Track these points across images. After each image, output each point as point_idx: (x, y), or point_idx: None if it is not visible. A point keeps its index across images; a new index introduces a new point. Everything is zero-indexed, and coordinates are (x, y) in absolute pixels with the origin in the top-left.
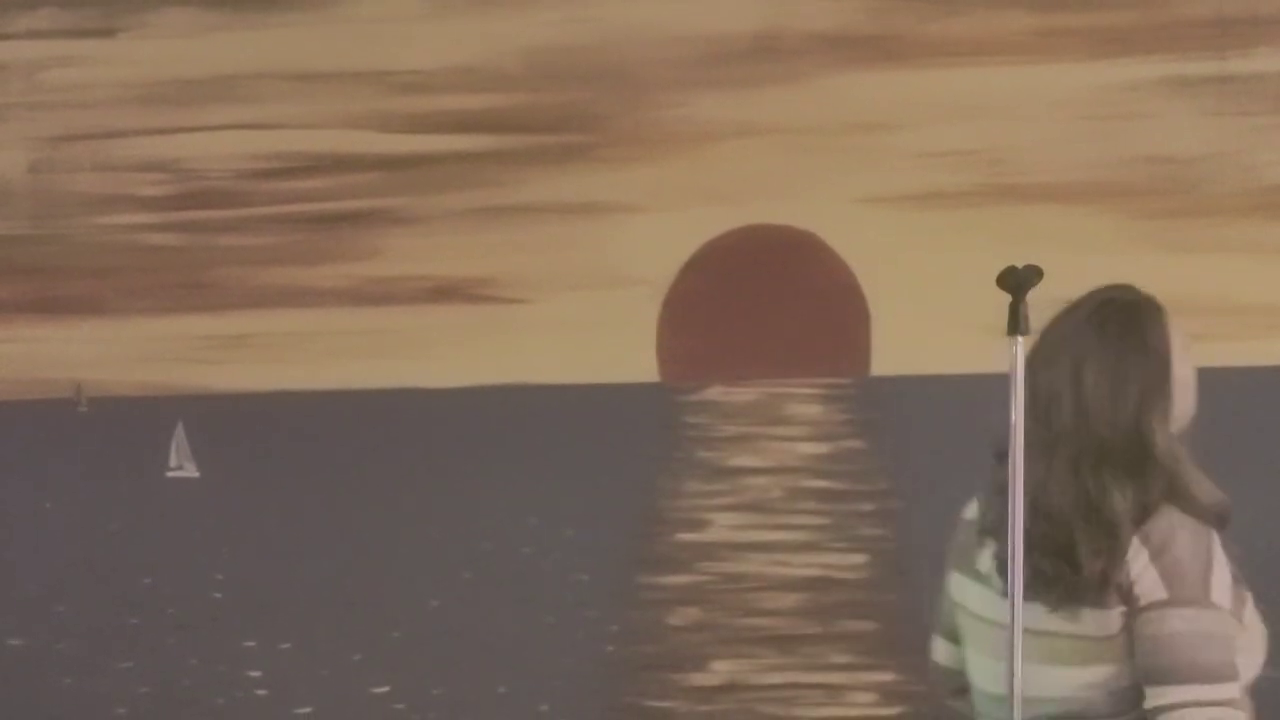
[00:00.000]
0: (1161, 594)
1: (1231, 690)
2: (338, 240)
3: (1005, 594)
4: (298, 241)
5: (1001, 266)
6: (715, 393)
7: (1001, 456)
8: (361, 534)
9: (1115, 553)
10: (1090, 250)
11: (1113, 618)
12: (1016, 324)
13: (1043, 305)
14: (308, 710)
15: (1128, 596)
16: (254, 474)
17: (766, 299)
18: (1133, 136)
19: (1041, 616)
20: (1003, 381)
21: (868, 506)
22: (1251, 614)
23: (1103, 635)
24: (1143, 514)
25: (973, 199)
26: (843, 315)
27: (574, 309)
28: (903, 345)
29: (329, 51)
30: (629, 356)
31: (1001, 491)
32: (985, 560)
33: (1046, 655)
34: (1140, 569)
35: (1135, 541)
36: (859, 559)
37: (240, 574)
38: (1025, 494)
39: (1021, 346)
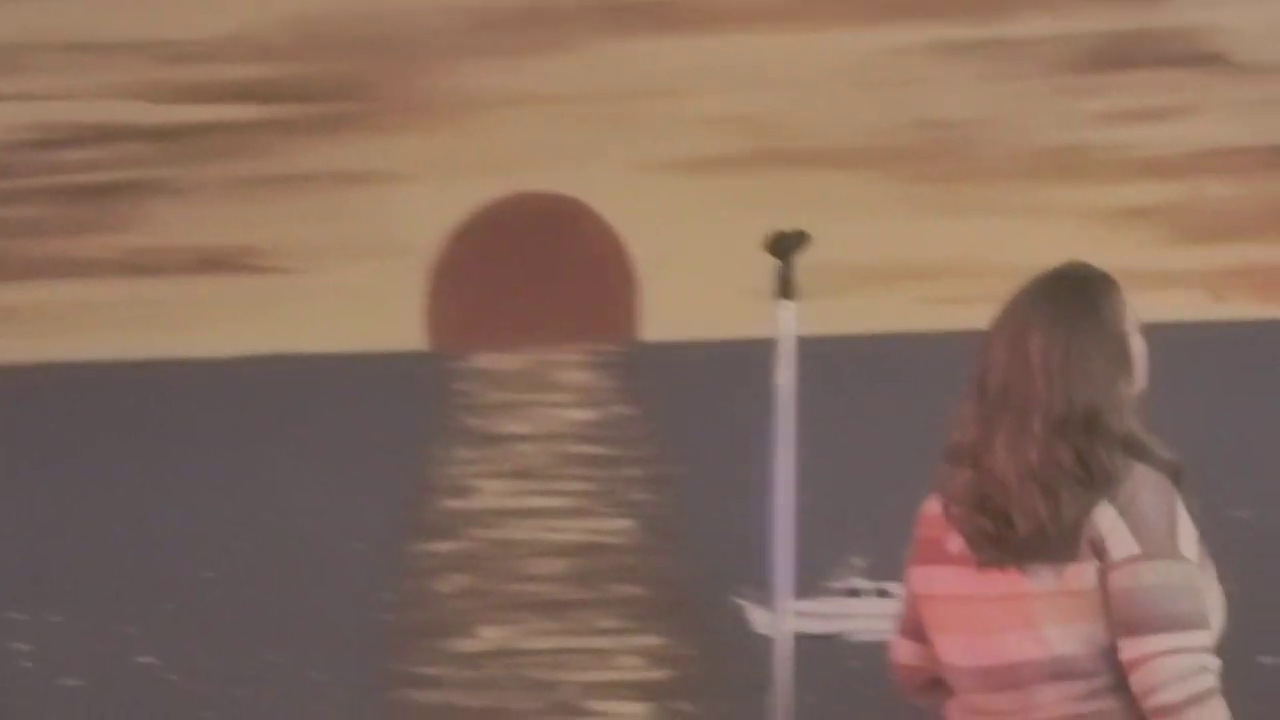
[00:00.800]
0: (1134, 549)
1: (1206, 638)
2: (105, 211)
3: (986, 563)
4: (65, 213)
5: (769, 231)
6: (484, 360)
7: (951, 458)
8: (133, 506)
9: (1057, 514)
10: (860, 214)
11: (1089, 571)
12: (784, 288)
13: (810, 268)
14: (75, 683)
15: (1100, 552)
16: (21, 446)
17: (535, 267)
18: (902, 101)
19: (1020, 580)
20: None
21: (636, 472)
22: (1214, 579)
23: (1083, 589)
24: (1101, 479)
25: (742, 165)
26: (611, 282)
27: (343, 278)
28: (672, 311)
29: (97, 22)
30: (398, 325)
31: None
32: (955, 540)
33: (1029, 617)
34: (1110, 525)
35: (1103, 500)
36: (627, 524)
37: (7, 547)
38: (970, 459)
39: (790, 310)
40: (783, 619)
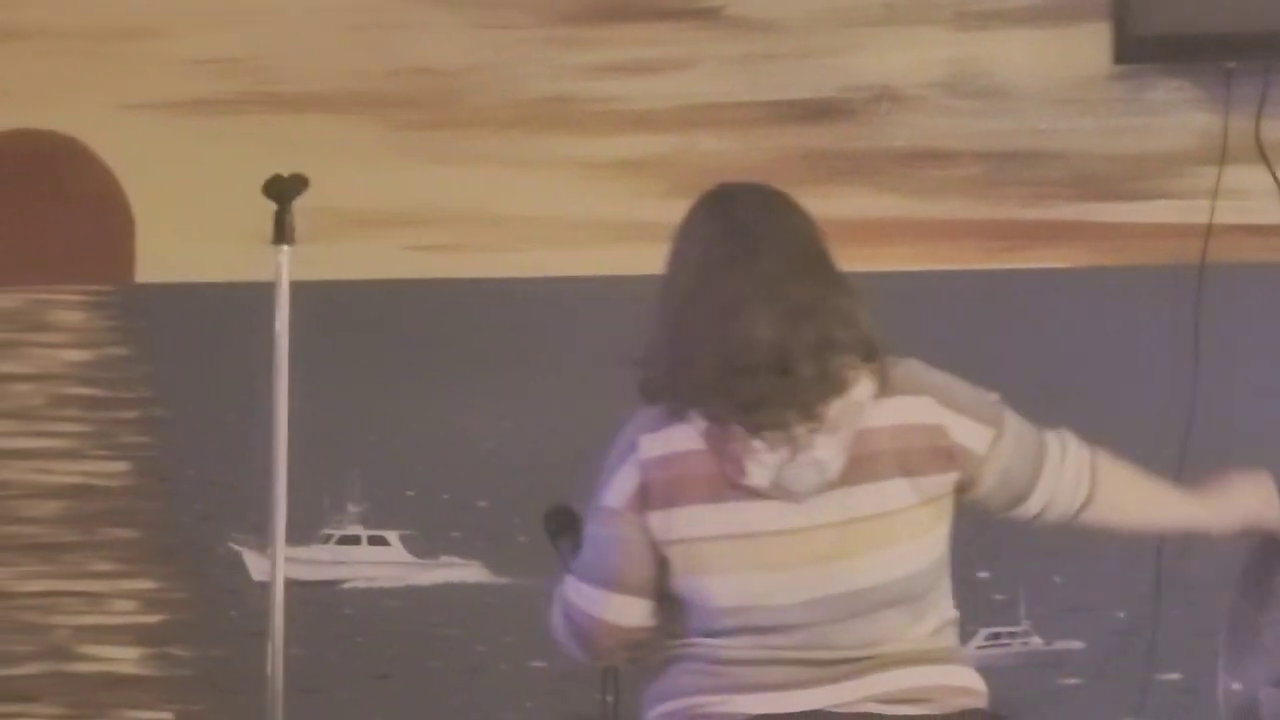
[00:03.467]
0: (989, 432)
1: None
2: None
3: (807, 491)
4: None
5: (267, 175)
6: None
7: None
8: None
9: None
10: (355, 160)
11: (948, 478)
12: (282, 232)
13: (309, 214)
14: None
15: (963, 456)
16: None
17: (28, 205)
18: (397, 47)
19: (877, 498)
20: (269, 289)
21: (130, 414)
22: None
23: (940, 495)
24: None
25: (238, 107)
26: (107, 222)
27: None
28: (169, 253)
29: None
30: None
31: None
32: (760, 473)
33: (884, 537)
34: (950, 421)
35: (927, 400)
36: (121, 466)
37: None
38: (759, 355)
39: (287, 255)
40: (278, 565)
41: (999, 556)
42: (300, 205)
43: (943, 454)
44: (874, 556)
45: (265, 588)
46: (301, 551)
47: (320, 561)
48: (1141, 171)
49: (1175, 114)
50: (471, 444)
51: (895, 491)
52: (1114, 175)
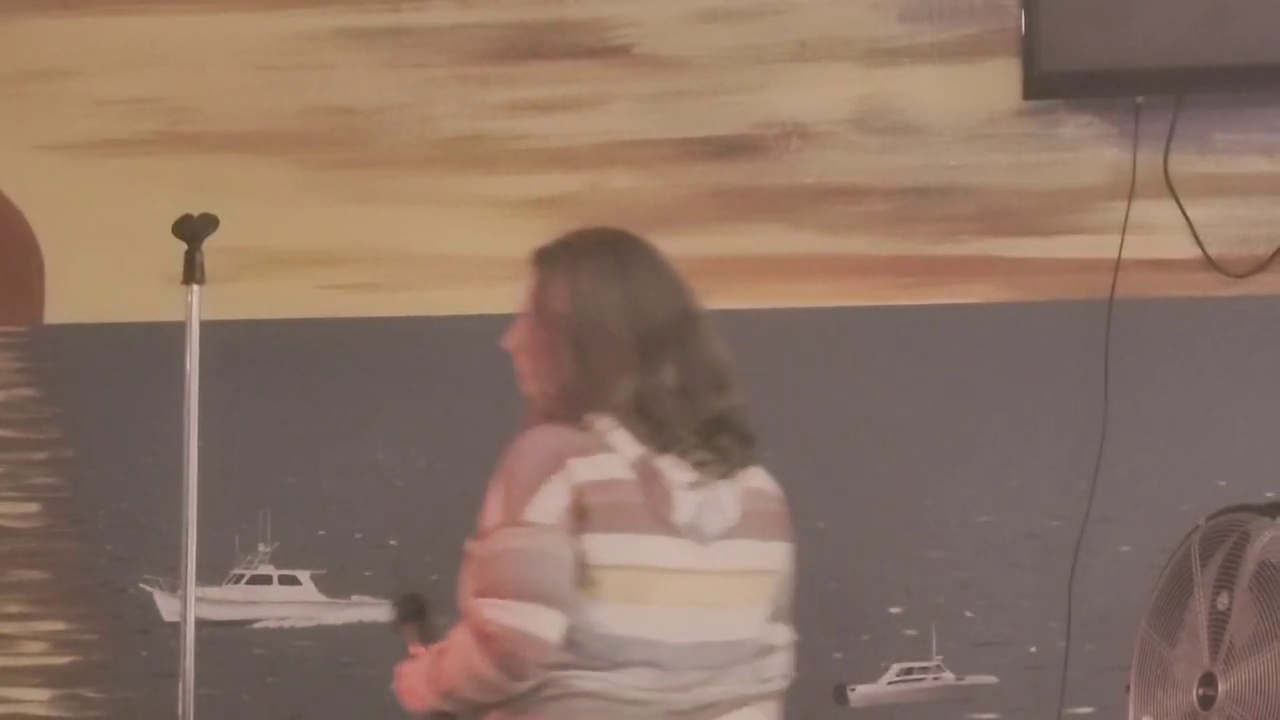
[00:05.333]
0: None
1: None
2: None
3: (713, 536)
4: None
5: (180, 214)
6: None
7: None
8: None
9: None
10: (265, 200)
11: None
12: (192, 272)
13: (222, 253)
14: None
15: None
16: None
17: None
18: (310, 87)
19: (761, 556)
20: (180, 328)
21: (40, 455)
22: None
23: (781, 569)
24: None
25: (151, 147)
26: (15, 262)
27: None
28: (80, 293)
29: None
30: None
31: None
32: (683, 510)
33: (756, 594)
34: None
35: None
36: (30, 508)
37: None
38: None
39: (198, 294)
40: (189, 606)
41: (910, 591)
42: (213, 245)
43: (787, 526)
44: (742, 611)
45: (176, 628)
46: (213, 591)
47: (231, 601)
48: (1051, 206)
49: (1084, 149)
50: (383, 482)
51: (775, 553)
52: (1024, 210)
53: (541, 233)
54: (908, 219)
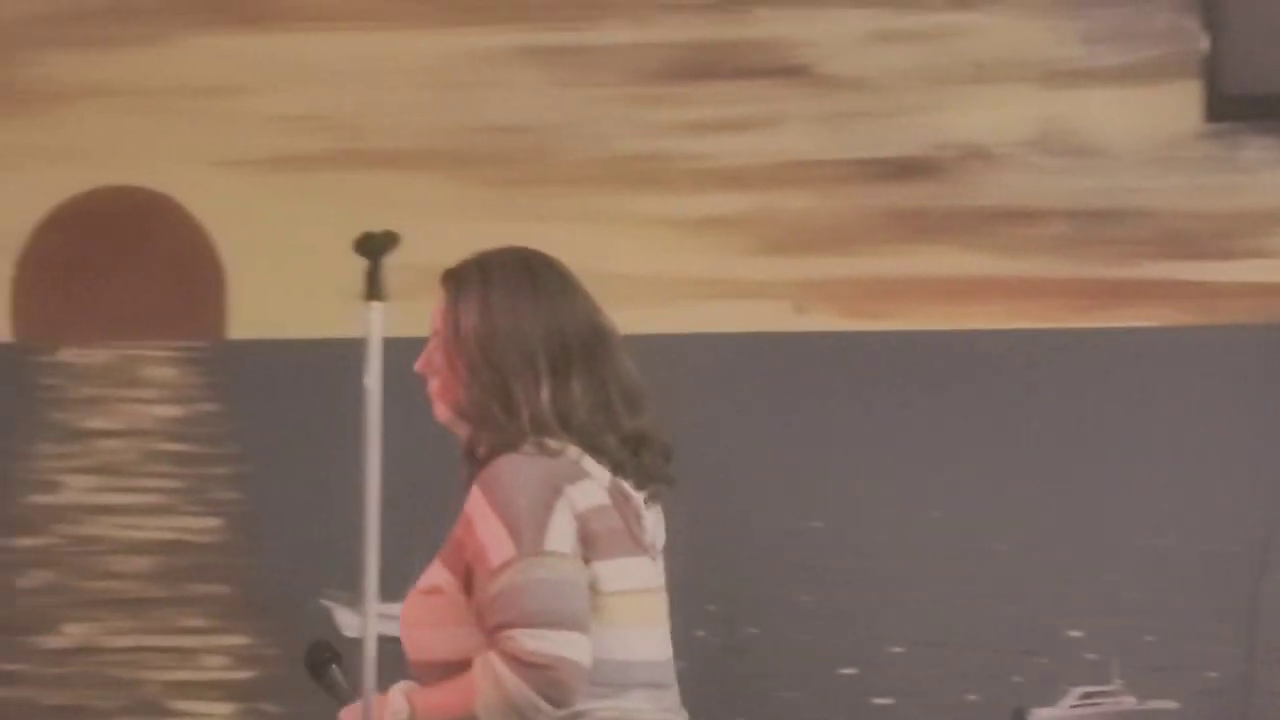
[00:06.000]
0: None
1: None
2: None
3: (658, 554)
4: None
5: (358, 232)
6: (69, 354)
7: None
8: None
9: None
10: (439, 217)
11: None
12: (374, 289)
13: (400, 270)
14: None
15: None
16: None
17: (121, 261)
18: (484, 105)
19: (659, 574)
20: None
21: (221, 470)
22: None
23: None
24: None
25: (328, 164)
26: (198, 278)
27: None
28: (260, 309)
29: None
30: None
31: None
32: (648, 530)
33: (664, 613)
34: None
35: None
36: (212, 522)
37: None
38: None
39: (379, 312)
40: (369, 621)
41: (1091, 615)
42: (386, 261)
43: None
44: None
45: (354, 643)
46: (393, 607)
47: None
48: (1231, 230)
49: (1266, 172)
50: None
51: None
52: (1204, 233)
53: (713, 252)
54: (1086, 241)
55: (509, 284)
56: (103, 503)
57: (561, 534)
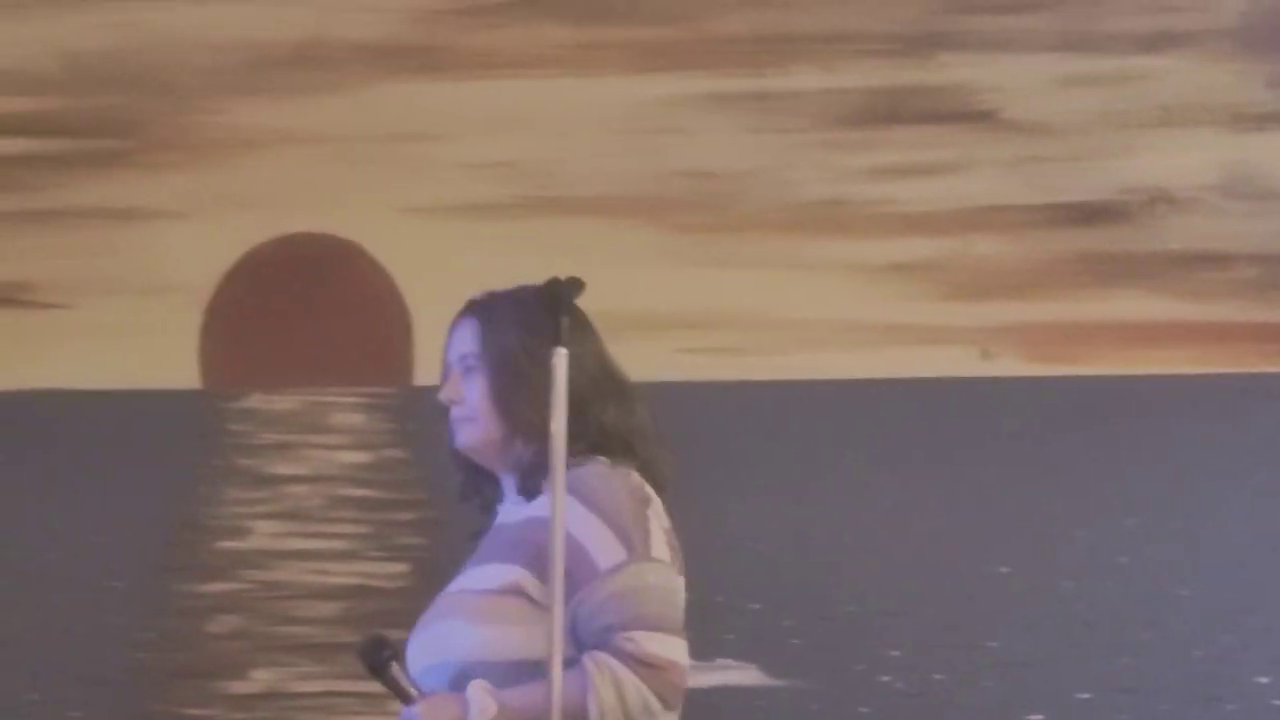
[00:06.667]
0: None
1: None
2: None
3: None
4: None
5: (544, 277)
6: (257, 400)
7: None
8: None
9: None
10: (626, 263)
11: None
12: (559, 335)
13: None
14: None
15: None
16: None
17: (309, 307)
18: (672, 151)
19: None
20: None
21: (407, 515)
22: None
23: None
24: None
25: (515, 210)
26: (385, 325)
27: (114, 314)
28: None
29: None
30: (170, 362)
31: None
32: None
33: None
34: None
35: None
36: (398, 568)
37: None
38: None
39: (564, 358)
40: (556, 672)
41: (1278, 660)
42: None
43: None
44: None
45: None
46: None
47: None
48: None
49: None
50: (740, 545)
51: None
52: None
53: (901, 298)
54: (1274, 285)
55: (541, 318)
56: (288, 548)
57: (659, 543)
